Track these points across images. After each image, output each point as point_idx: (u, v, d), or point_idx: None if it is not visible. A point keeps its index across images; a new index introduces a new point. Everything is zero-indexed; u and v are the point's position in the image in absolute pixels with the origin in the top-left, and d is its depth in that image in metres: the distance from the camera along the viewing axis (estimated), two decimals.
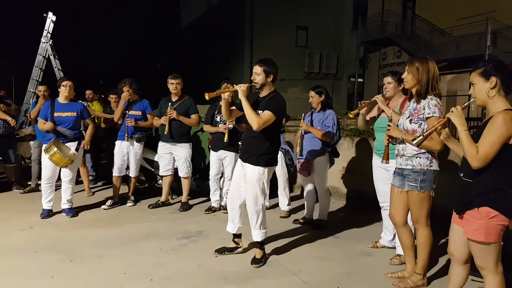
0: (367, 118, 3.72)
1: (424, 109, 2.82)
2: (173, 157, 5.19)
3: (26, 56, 9.63)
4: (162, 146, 5.19)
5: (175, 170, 5.29)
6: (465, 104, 2.32)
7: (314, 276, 3.24)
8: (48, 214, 4.73)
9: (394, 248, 3.67)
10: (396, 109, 3.51)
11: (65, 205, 4.83)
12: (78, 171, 6.00)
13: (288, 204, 5.07)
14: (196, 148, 5.47)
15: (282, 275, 3.28)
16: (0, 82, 6.40)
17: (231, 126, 4.71)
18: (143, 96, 5.45)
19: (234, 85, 3.35)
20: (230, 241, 3.72)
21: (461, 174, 2.30)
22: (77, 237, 4.05)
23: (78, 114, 4.78)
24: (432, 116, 2.76)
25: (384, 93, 3.63)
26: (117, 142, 5.26)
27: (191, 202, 5.42)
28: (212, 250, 3.68)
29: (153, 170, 5.87)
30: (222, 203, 5.14)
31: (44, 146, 4.67)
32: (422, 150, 2.83)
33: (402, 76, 2.98)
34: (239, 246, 3.69)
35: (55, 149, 4.47)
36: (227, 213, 4.94)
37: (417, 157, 2.86)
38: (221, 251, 3.65)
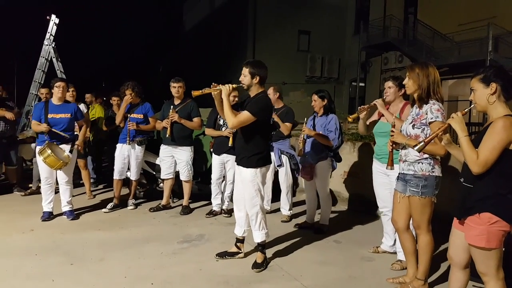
0: (367, 122, 3.73)
1: (426, 114, 2.83)
2: (175, 160, 5.19)
3: (29, 59, 9.67)
4: (163, 149, 5.19)
5: (177, 174, 5.29)
6: (465, 110, 2.32)
7: (315, 281, 3.24)
8: (49, 216, 4.73)
9: (395, 253, 3.66)
10: (396, 113, 3.51)
11: (65, 207, 4.83)
12: (79, 173, 6.03)
13: (290, 209, 5.06)
14: (197, 152, 5.48)
15: (283, 279, 3.27)
16: (3, 84, 6.37)
17: (235, 129, 4.71)
18: (145, 99, 5.46)
19: (220, 85, 3.39)
20: (232, 245, 3.71)
21: (462, 179, 2.30)
22: (78, 240, 4.05)
23: (72, 115, 4.76)
24: (435, 121, 2.77)
25: (384, 97, 3.64)
26: (118, 145, 5.26)
27: (192, 205, 5.41)
28: (213, 254, 3.67)
29: (154, 173, 5.86)
30: (224, 207, 5.14)
31: (38, 148, 4.62)
32: (425, 156, 2.83)
33: (404, 82, 2.99)
34: (240, 251, 3.68)
35: (49, 151, 4.46)
36: (228, 216, 4.98)
37: (419, 163, 2.86)
38: (222, 255, 3.64)
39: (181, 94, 5.09)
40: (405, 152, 2.93)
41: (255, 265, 3.42)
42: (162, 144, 5.22)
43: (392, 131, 2.96)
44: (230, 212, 5.04)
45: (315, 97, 4.44)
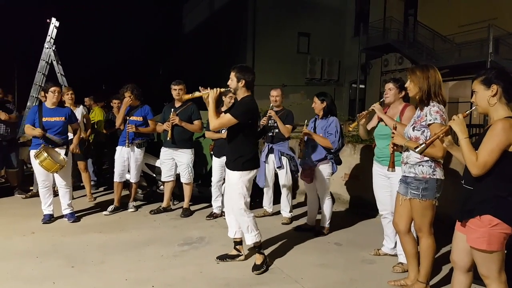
0: (368, 128, 3.74)
1: (426, 116, 2.83)
2: (175, 163, 5.19)
3: (29, 62, 9.69)
4: (164, 151, 5.19)
5: (177, 176, 5.29)
6: (466, 112, 2.32)
7: (316, 284, 3.23)
8: (50, 219, 4.73)
9: (396, 255, 3.65)
10: (396, 116, 3.51)
11: (66, 210, 4.83)
12: (80, 176, 6.03)
13: (290, 211, 5.06)
14: (198, 154, 5.48)
15: (284, 282, 3.26)
16: (3, 87, 6.37)
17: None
18: (145, 101, 5.46)
19: (208, 88, 3.46)
20: (232, 248, 3.71)
21: (463, 182, 2.30)
22: (79, 243, 4.05)
23: (66, 119, 4.76)
24: (434, 122, 2.77)
25: (384, 98, 3.65)
26: (118, 148, 5.26)
27: (192, 208, 5.41)
28: (213, 256, 3.66)
29: (154, 175, 5.86)
30: (224, 209, 5.13)
31: (33, 152, 4.58)
32: (425, 158, 2.83)
33: (406, 85, 2.99)
34: (240, 254, 3.67)
35: (45, 154, 4.45)
36: None
37: (419, 165, 2.85)
38: (223, 257, 3.64)
39: (181, 97, 5.09)
40: (406, 154, 2.93)
41: (255, 267, 3.42)
42: (162, 147, 5.23)
43: (393, 132, 2.96)
44: None
45: (315, 99, 4.47)
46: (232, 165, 3.47)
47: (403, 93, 3.53)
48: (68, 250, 3.85)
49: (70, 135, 5.02)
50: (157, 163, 5.69)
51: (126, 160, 5.24)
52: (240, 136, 3.45)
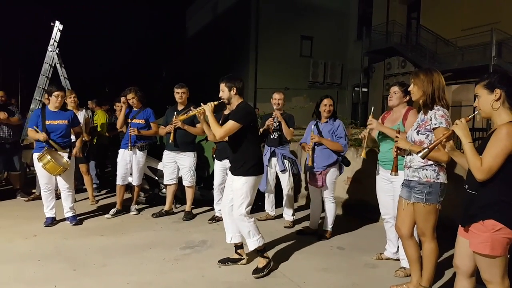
0: (373, 134, 3.72)
1: (431, 120, 2.82)
2: (178, 166, 5.19)
3: (33, 64, 9.74)
4: (166, 154, 5.20)
5: (179, 179, 5.29)
6: (469, 117, 2.31)
7: None
8: (52, 221, 4.73)
9: (399, 260, 3.63)
10: (399, 120, 3.50)
11: (68, 213, 4.84)
12: (82, 179, 6.04)
13: (293, 214, 5.04)
14: (200, 157, 5.48)
15: (286, 286, 3.25)
16: (6, 90, 6.41)
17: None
18: (148, 104, 5.47)
19: (202, 104, 3.54)
20: (234, 252, 3.70)
21: (466, 186, 2.28)
22: (81, 246, 4.05)
23: (68, 122, 4.78)
24: (439, 126, 2.76)
25: (388, 101, 3.66)
26: (120, 151, 5.27)
27: (194, 211, 5.41)
28: (215, 260, 3.65)
29: (157, 178, 5.86)
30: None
31: (37, 154, 4.60)
32: (429, 162, 2.81)
33: (409, 89, 2.98)
34: (242, 257, 3.66)
35: (49, 157, 4.47)
36: None
37: (423, 169, 2.84)
38: (225, 261, 3.63)
39: (184, 100, 5.11)
40: (410, 158, 2.91)
41: (255, 271, 3.42)
42: (165, 150, 5.23)
43: (397, 136, 2.95)
44: None
45: (330, 101, 4.43)
46: (238, 171, 3.47)
47: (408, 97, 3.51)
48: (70, 253, 3.85)
49: (74, 138, 5.03)
50: (159, 166, 5.69)
51: (129, 163, 5.25)
52: (244, 142, 3.46)
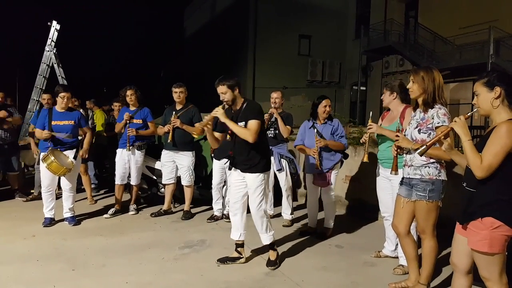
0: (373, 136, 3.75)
1: (433, 118, 2.83)
2: (176, 165, 5.19)
3: (31, 64, 9.71)
4: (165, 154, 5.19)
5: (178, 179, 5.29)
6: (468, 114, 2.32)
7: (317, 287, 3.22)
8: (50, 222, 4.73)
9: (397, 258, 3.64)
10: (396, 118, 3.52)
11: (67, 214, 4.83)
12: (80, 179, 6.03)
13: (291, 213, 5.05)
14: (198, 157, 5.47)
15: (285, 285, 3.25)
16: (4, 90, 6.39)
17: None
18: (146, 104, 5.47)
19: (208, 115, 3.47)
20: (233, 251, 3.70)
21: (464, 184, 2.29)
22: (80, 246, 4.04)
23: (75, 123, 4.79)
24: (442, 125, 2.77)
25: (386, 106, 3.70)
26: (118, 151, 5.28)
27: (193, 210, 5.41)
28: (214, 259, 3.65)
29: (155, 178, 5.86)
30: (225, 212, 5.12)
31: (41, 154, 4.66)
32: (431, 160, 2.82)
33: (408, 87, 2.97)
34: (241, 256, 3.67)
35: (52, 158, 4.47)
36: (229, 221, 4.96)
37: (426, 167, 2.85)
38: (224, 260, 3.63)
39: (182, 99, 5.10)
40: (410, 157, 2.92)
41: (269, 263, 3.53)
42: (163, 149, 5.23)
43: (397, 135, 2.95)
44: None
45: (329, 102, 4.39)
46: (254, 168, 3.47)
47: (395, 94, 3.56)
48: (69, 253, 3.84)
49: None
50: (157, 165, 5.69)
51: (127, 163, 5.25)
52: (259, 138, 3.44)
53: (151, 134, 5.41)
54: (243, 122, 3.44)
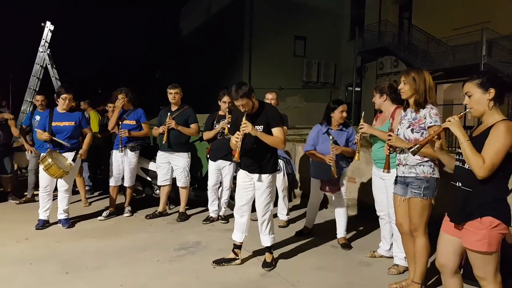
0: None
1: (425, 118, 2.89)
2: (172, 166, 5.16)
3: (24, 65, 9.65)
4: (160, 155, 5.17)
5: (173, 180, 5.26)
6: (461, 114, 2.33)
7: (313, 287, 3.21)
8: (44, 224, 4.68)
9: (392, 257, 3.65)
10: (388, 119, 3.54)
11: (61, 216, 4.79)
12: (74, 180, 5.99)
13: (287, 214, 5.04)
14: (194, 158, 5.45)
15: (281, 286, 3.24)
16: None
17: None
18: (142, 105, 5.44)
19: (240, 131, 3.32)
20: (229, 252, 3.69)
21: (459, 184, 2.28)
22: (74, 248, 4.01)
23: (76, 124, 4.78)
24: (434, 125, 2.83)
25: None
26: (113, 152, 5.24)
27: (189, 212, 5.38)
28: (210, 261, 3.64)
29: (150, 180, 5.82)
30: (221, 213, 5.11)
31: (40, 156, 4.66)
32: (425, 159, 2.87)
33: (399, 87, 3.03)
34: (237, 257, 3.66)
35: (50, 160, 4.44)
36: (225, 223, 4.96)
37: (420, 165, 2.90)
38: (219, 262, 3.62)
39: (177, 100, 5.08)
40: (404, 156, 2.96)
41: (265, 264, 3.54)
42: (159, 151, 5.20)
43: (390, 135, 2.98)
44: (227, 218, 5.02)
45: (346, 107, 4.18)
46: (264, 168, 3.51)
47: (385, 96, 3.60)
48: (63, 256, 3.81)
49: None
50: (151, 166, 5.66)
51: (121, 164, 5.22)
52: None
53: (144, 135, 5.38)
54: (261, 126, 3.44)
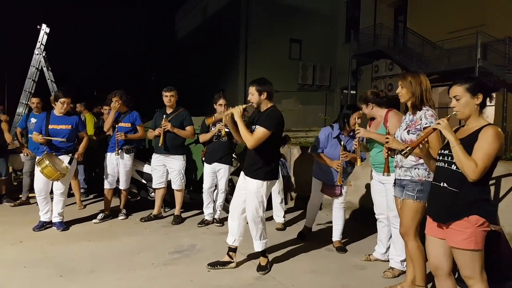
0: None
1: (421, 120, 2.92)
2: (167, 169, 5.16)
3: (19, 68, 9.61)
4: (155, 158, 5.16)
5: (168, 183, 5.26)
6: (449, 117, 2.36)
7: None
8: (42, 226, 4.68)
9: (387, 261, 3.66)
10: (381, 124, 3.58)
11: (56, 219, 4.77)
12: (70, 184, 5.96)
13: (283, 216, 5.05)
14: (189, 161, 5.45)
15: None
16: None
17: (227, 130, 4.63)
18: (137, 108, 5.43)
19: (230, 108, 3.45)
20: (224, 255, 3.69)
21: (443, 184, 2.31)
22: (68, 251, 3.99)
23: (73, 127, 4.76)
24: (429, 126, 2.82)
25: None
26: (107, 154, 5.23)
27: (184, 215, 5.37)
28: (205, 264, 3.64)
29: (145, 182, 5.81)
30: (216, 216, 5.11)
31: (37, 158, 4.65)
32: (421, 161, 2.89)
33: (397, 91, 3.05)
34: (232, 260, 3.66)
35: (47, 162, 4.44)
36: (220, 226, 4.96)
37: (415, 168, 2.93)
38: (214, 265, 3.62)
39: (173, 103, 5.08)
40: (400, 157, 2.98)
41: (260, 268, 3.53)
42: (154, 153, 5.20)
43: (387, 137, 2.99)
44: (222, 221, 5.02)
45: (361, 113, 4.00)
46: (253, 173, 3.46)
47: (370, 104, 3.65)
48: (57, 259, 3.79)
49: None
50: (146, 169, 5.64)
51: (116, 167, 5.20)
52: (265, 145, 3.41)
53: (140, 137, 5.37)
54: (256, 126, 3.42)
